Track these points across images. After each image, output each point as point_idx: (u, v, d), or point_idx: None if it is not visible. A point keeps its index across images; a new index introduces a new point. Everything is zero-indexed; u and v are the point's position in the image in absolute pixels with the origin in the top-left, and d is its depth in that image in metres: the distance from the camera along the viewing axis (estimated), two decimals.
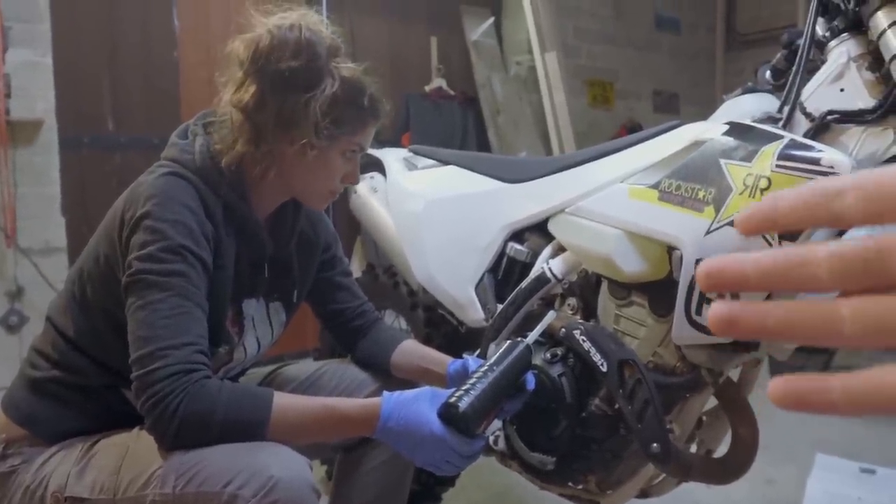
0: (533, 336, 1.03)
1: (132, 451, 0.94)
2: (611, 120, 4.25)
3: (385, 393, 0.94)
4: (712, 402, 1.16)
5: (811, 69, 1.07)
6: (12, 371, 1.10)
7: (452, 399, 0.90)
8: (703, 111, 1.20)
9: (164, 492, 0.87)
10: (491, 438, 1.26)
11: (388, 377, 1.23)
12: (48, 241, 2.57)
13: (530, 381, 1.04)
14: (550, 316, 1.08)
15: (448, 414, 0.89)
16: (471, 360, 1.15)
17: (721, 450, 1.16)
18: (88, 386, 1.03)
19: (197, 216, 0.97)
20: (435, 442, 0.89)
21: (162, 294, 0.91)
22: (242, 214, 1.04)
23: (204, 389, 0.88)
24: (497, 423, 1.19)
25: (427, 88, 3.61)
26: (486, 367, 0.95)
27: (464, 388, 0.92)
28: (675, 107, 4.62)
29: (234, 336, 1.08)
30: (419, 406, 0.91)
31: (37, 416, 1.03)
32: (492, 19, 3.84)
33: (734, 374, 1.15)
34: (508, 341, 1.02)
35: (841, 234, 0.97)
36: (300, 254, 1.18)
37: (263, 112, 1.00)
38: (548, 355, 1.17)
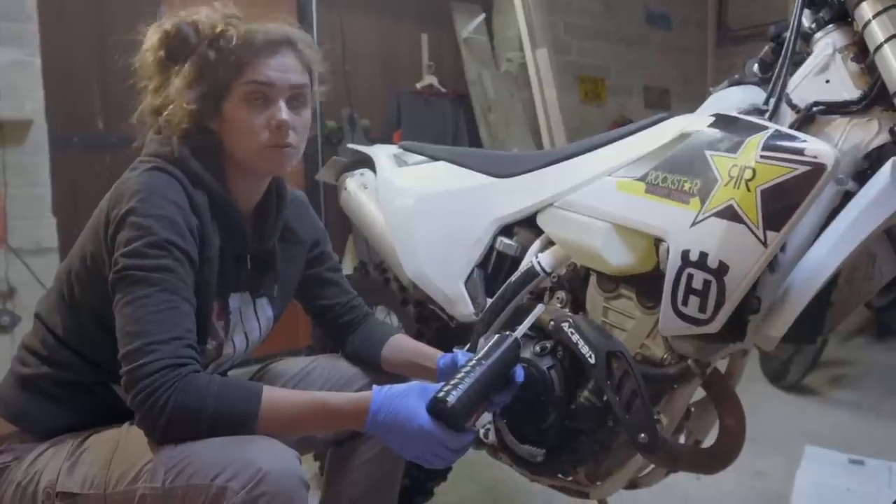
0: (522, 329, 1.03)
1: (122, 446, 0.94)
2: (602, 116, 4.25)
3: (375, 387, 0.94)
4: (700, 392, 1.16)
5: (798, 61, 1.07)
6: (5, 370, 1.10)
7: (441, 394, 0.90)
8: (694, 107, 1.20)
9: (153, 485, 0.87)
10: (481, 431, 1.26)
11: (379, 372, 1.23)
12: (39, 242, 2.56)
13: (519, 374, 1.04)
14: (539, 309, 1.08)
15: (437, 408, 0.89)
16: (460, 354, 1.15)
17: (709, 441, 1.17)
18: (78, 382, 1.03)
19: (182, 210, 0.97)
20: (424, 436, 0.89)
21: (149, 289, 0.91)
22: (225, 204, 1.04)
23: (193, 383, 0.88)
24: (487, 417, 1.19)
25: (418, 85, 3.61)
26: (474, 362, 0.95)
27: (452, 382, 0.92)
28: (666, 102, 4.64)
29: (220, 331, 1.08)
30: (408, 400, 0.91)
31: (27, 412, 1.03)
32: (482, 16, 3.84)
33: (722, 364, 1.16)
34: (497, 335, 1.02)
35: (828, 222, 0.98)
36: (285, 250, 1.18)
37: (151, 98, 1.05)
38: (537, 348, 1.17)
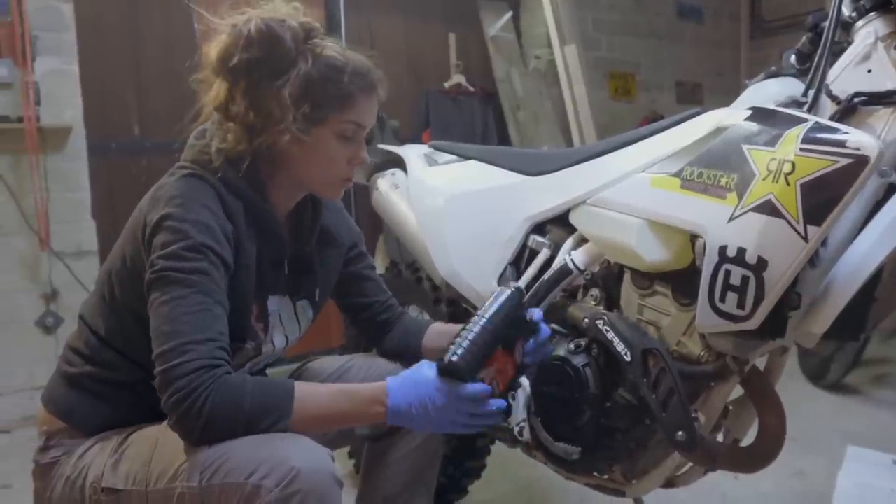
0: (526, 278, 1.04)
1: (161, 443, 0.96)
2: (633, 112, 4.21)
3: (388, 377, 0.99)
4: (739, 390, 1.14)
5: (837, 51, 1.05)
6: (50, 370, 1.13)
7: (446, 355, 0.95)
8: (728, 101, 1.18)
9: (191, 484, 0.89)
10: (516, 429, 1.25)
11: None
12: (80, 245, 2.63)
13: (537, 315, 1.06)
14: (545, 254, 1.08)
15: (444, 368, 0.95)
16: None
17: (748, 440, 1.15)
18: (121, 381, 1.05)
19: (217, 216, 0.98)
20: (440, 394, 0.94)
21: (185, 290, 0.92)
22: (261, 212, 1.05)
23: (228, 383, 0.89)
24: (525, 388, 1.14)
25: (446, 85, 3.61)
26: (475, 318, 0.99)
27: (456, 341, 0.96)
28: (698, 97, 4.57)
29: (260, 333, 1.10)
30: (420, 371, 0.97)
31: (74, 409, 1.06)
32: (510, 14, 3.83)
33: (761, 362, 1.14)
34: (498, 288, 1.04)
35: (871, 215, 0.96)
36: (323, 252, 1.19)
37: (238, 107, 1.01)
38: (571, 346, 1.17)
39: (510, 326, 1.02)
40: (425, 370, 0.97)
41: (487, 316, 1.00)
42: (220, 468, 0.87)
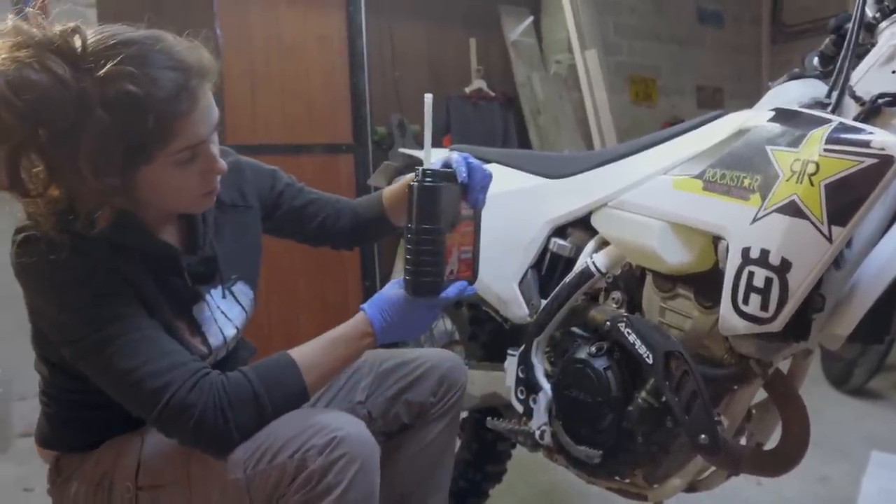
0: (426, 162, 1.00)
1: None
2: (654, 117, 4.19)
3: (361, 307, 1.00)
4: (762, 394, 1.14)
5: (861, 53, 1.04)
6: None
7: (407, 283, 0.98)
8: (748, 106, 1.18)
9: (235, 476, 0.89)
10: (537, 433, 1.26)
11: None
12: None
13: (454, 164, 1.01)
14: (428, 98, 1.01)
15: (412, 292, 0.99)
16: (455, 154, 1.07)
17: (772, 444, 1.14)
18: (93, 403, 0.98)
19: (77, 265, 0.87)
20: (418, 307, 1.00)
21: (115, 343, 0.86)
22: (131, 239, 0.92)
23: (232, 383, 0.89)
24: (543, 402, 1.10)
25: (467, 90, 3.63)
26: (411, 231, 0.97)
27: (408, 262, 0.98)
28: (719, 102, 4.54)
29: (199, 346, 1.02)
30: (392, 289, 1.01)
31: (65, 440, 1.03)
32: (531, 18, 3.84)
33: (784, 365, 1.13)
34: (408, 185, 0.99)
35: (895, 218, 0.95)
36: (234, 221, 1.10)
37: (34, 184, 0.84)
38: (593, 349, 1.17)
39: (444, 209, 0.97)
40: (396, 288, 1.01)
41: (415, 224, 0.97)
42: (266, 453, 0.88)
